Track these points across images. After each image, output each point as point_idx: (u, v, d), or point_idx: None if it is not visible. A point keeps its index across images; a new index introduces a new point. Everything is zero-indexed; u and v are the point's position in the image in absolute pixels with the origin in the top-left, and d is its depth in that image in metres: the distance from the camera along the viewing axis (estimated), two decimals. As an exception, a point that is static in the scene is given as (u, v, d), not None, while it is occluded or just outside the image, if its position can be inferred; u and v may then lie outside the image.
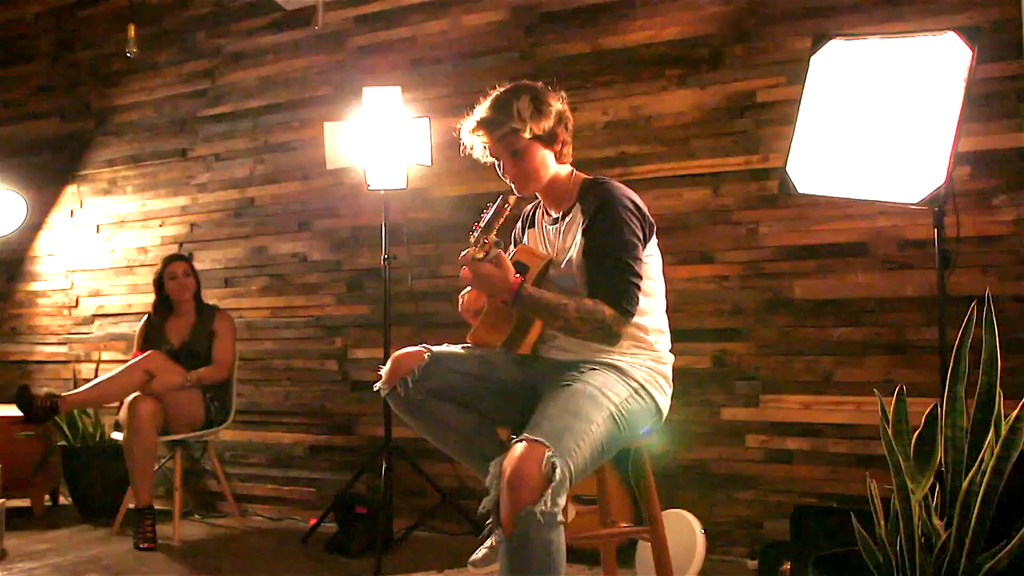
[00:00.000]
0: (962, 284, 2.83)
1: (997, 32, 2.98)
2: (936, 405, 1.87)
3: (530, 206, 2.43)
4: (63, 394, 3.75)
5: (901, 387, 1.90)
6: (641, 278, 2.09)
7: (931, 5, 3.09)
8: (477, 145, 2.22)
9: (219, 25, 4.54)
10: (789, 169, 2.60)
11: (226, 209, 4.47)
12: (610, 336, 2.05)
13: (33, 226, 4.99)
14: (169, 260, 4.06)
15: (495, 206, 2.08)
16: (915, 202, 2.36)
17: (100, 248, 4.84)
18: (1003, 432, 1.77)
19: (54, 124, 5.04)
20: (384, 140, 3.52)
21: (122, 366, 3.79)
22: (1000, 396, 1.84)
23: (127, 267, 4.75)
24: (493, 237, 2.06)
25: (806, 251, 3.26)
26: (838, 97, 2.55)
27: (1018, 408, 1.76)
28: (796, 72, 2.92)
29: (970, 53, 2.30)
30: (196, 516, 4.25)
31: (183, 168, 4.61)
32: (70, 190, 4.96)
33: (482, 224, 2.07)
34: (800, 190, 2.60)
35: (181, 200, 4.61)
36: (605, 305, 2.02)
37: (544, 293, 2.08)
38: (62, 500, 4.50)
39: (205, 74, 4.56)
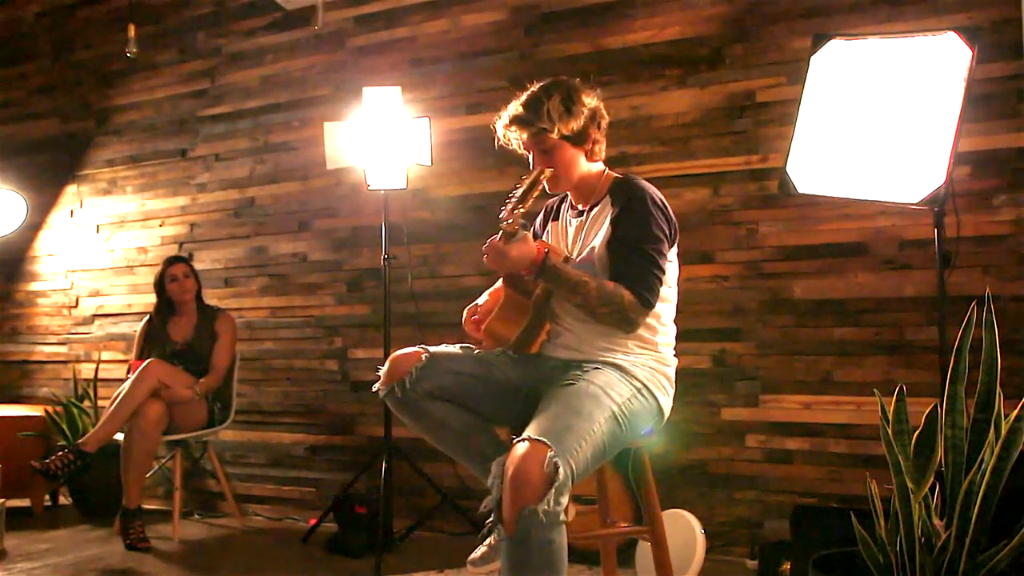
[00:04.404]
0: (962, 284, 2.83)
1: (997, 32, 2.98)
2: (936, 405, 1.87)
3: (553, 200, 2.42)
4: (79, 441, 3.59)
5: (901, 387, 1.90)
6: (664, 272, 2.10)
7: (931, 5, 3.09)
8: (512, 139, 2.23)
9: (219, 25, 4.54)
10: (789, 169, 2.60)
11: (226, 209, 4.48)
12: (627, 322, 2.05)
13: (33, 226, 4.99)
14: (169, 262, 4.06)
15: (531, 177, 2.05)
16: (915, 202, 2.36)
17: (100, 248, 4.84)
18: (1003, 432, 1.77)
19: (54, 124, 5.04)
20: (384, 140, 3.51)
21: (126, 385, 3.65)
22: (1000, 396, 1.84)
23: (127, 267, 4.75)
24: (524, 208, 2.02)
25: (806, 251, 3.26)
26: (838, 97, 2.55)
27: (1018, 408, 1.76)
28: (796, 72, 2.92)
29: (970, 53, 2.30)
30: (196, 516, 4.24)
31: (183, 168, 4.62)
32: (70, 190, 4.96)
33: (516, 195, 2.04)
34: (800, 190, 2.59)
35: (181, 200, 4.61)
36: (626, 291, 2.02)
37: (568, 268, 2.08)
38: (62, 500, 4.50)
39: (205, 74, 4.56)
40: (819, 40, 2.62)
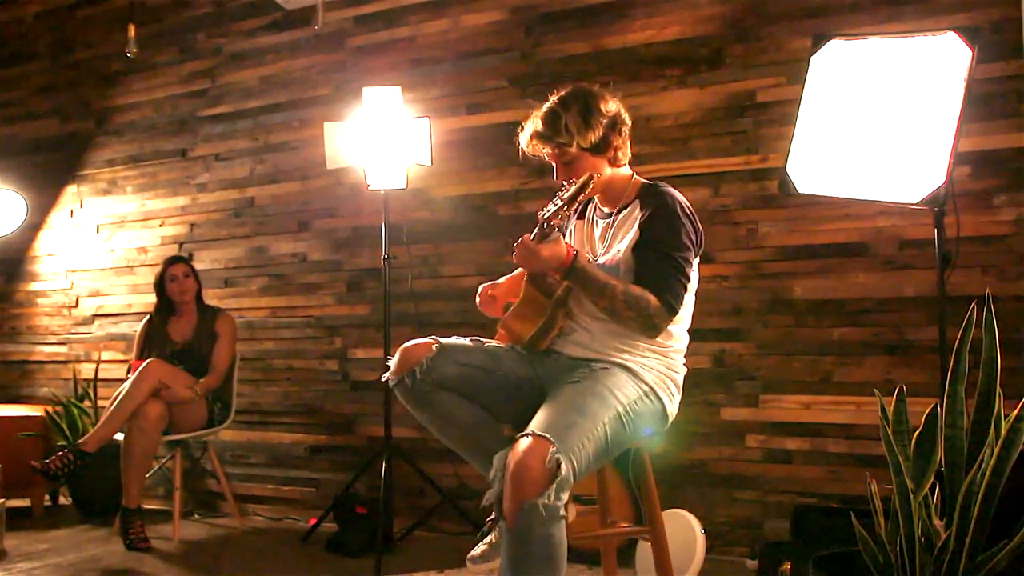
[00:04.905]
0: (962, 284, 2.83)
1: (997, 32, 2.98)
2: (936, 405, 1.87)
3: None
4: (80, 441, 3.58)
5: (901, 387, 1.90)
6: (689, 280, 2.12)
7: (931, 5, 3.09)
8: (538, 151, 2.23)
9: (219, 25, 4.54)
10: (789, 169, 2.60)
11: (226, 209, 4.47)
12: (651, 327, 2.06)
13: (33, 226, 4.99)
14: (169, 262, 4.06)
15: (581, 181, 2.05)
16: (915, 202, 2.36)
17: (100, 248, 4.84)
18: (1003, 432, 1.77)
19: (54, 124, 5.04)
20: (384, 140, 3.51)
21: (126, 385, 3.64)
22: (1000, 396, 1.84)
23: (127, 267, 4.75)
24: (570, 211, 2.05)
25: (806, 251, 3.26)
26: (838, 97, 2.55)
27: (1018, 408, 1.76)
28: (796, 72, 2.92)
29: (970, 53, 2.31)
30: (196, 516, 4.24)
31: (183, 168, 4.62)
32: (70, 190, 4.96)
33: (566, 195, 2.04)
34: (800, 190, 2.60)
35: (181, 200, 4.61)
36: (652, 296, 2.04)
37: (596, 270, 2.09)
38: (62, 500, 4.50)
39: (205, 74, 4.56)
40: (819, 40, 2.62)
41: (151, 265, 4.57)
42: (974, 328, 1.87)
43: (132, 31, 4.27)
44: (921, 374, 2.96)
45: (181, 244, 4.58)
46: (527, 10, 3.81)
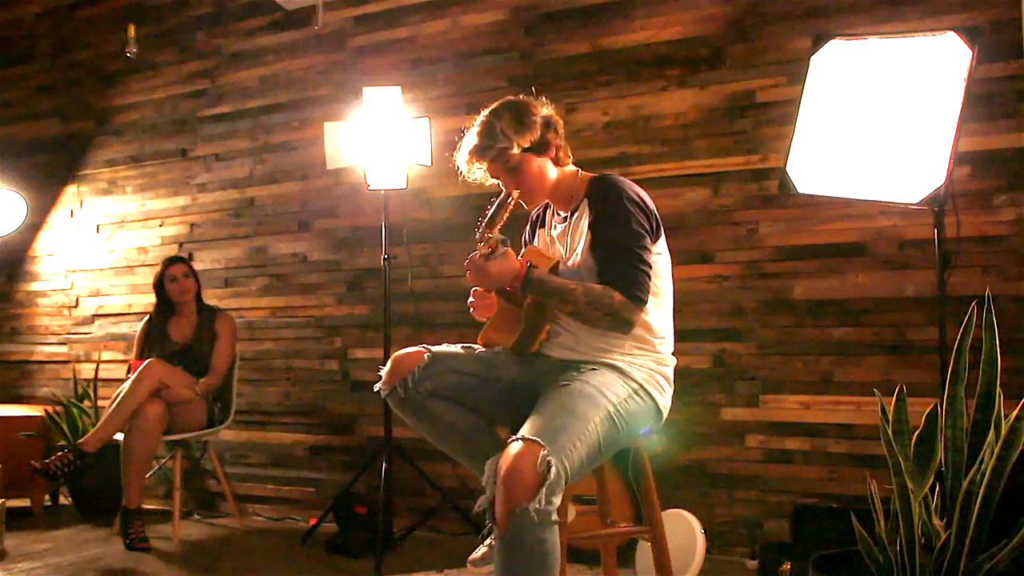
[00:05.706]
0: (962, 284, 2.83)
1: (997, 32, 2.98)
2: (936, 405, 1.87)
3: (537, 208, 2.43)
4: (80, 441, 3.59)
5: (901, 387, 1.90)
6: (650, 266, 2.11)
7: (931, 5, 3.09)
8: (476, 171, 2.24)
9: (219, 25, 4.54)
10: (789, 169, 2.60)
11: (226, 209, 4.48)
12: (622, 323, 2.05)
13: (33, 226, 4.99)
14: (168, 262, 4.06)
15: (499, 200, 2.10)
16: (915, 202, 2.36)
17: (100, 248, 4.84)
18: (1003, 432, 1.77)
19: (54, 124, 5.04)
20: (384, 140, 3.51)
21: (126, 385, 3.64)
22: (1000, 396, 1.84)
23: (127, 267, 4.75)
24: (497, 233, 2.08)
25: (806, 251, 3.26)
26: (838, 97, 2.55)
27: (1018, 408, 1.76)
28: (796, 72, 2.92)
29: (970, 53, 2.30)
30: (196, 516, 4.24)
31: (183, 168, 4.62)
32: (70, 190, 4.96)
33: (486, 219, 2.09)
34: (800, 190, 2.59)
35: (181, 200, 4.61)
36: (616, 292, 2.03)
37: (553, 278, 2.09)
38: (62, 500, 4.50)
39: (205, 74, 4.56)
40: (819, 40, 2.62)
41: (151, 265, 4.57)
42: (974, 328, 1.87)
43: (132, 31, 4.28)
44: (921, 374, 2.96)
45: (181, 244, 4.58)
46: (527, 10, 3.81)
